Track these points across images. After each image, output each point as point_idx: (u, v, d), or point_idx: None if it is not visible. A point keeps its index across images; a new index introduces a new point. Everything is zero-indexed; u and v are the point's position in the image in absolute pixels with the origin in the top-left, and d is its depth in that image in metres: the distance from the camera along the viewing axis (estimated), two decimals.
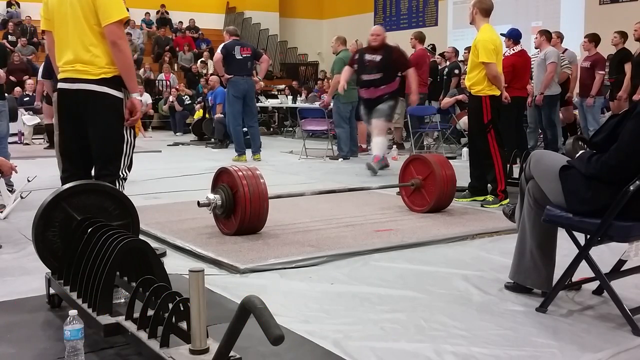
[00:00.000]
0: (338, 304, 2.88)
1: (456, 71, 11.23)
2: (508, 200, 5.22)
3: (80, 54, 3.31)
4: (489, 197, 5.35)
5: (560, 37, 8.89)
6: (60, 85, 3.42)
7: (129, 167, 3.50)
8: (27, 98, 13.15)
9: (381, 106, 7.12)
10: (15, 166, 4.67)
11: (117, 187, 3.32)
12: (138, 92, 3.47)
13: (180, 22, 20.62)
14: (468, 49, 10.54)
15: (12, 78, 14.48)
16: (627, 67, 8.24)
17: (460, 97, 9.55)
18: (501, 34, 5.70)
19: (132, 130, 3.49)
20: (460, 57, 11.78)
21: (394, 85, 7.33)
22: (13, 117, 9.16)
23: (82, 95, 3.32)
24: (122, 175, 3.44)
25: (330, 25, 19.75)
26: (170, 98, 15.21)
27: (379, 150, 7.26)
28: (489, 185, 5.46)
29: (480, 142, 5.38)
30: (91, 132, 3.37)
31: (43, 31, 3.57)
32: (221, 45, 8.99)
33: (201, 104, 13.36)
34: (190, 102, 14.95)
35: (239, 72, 8.75)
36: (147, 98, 14.02)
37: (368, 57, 7.18)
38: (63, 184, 3.41)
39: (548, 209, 2.73)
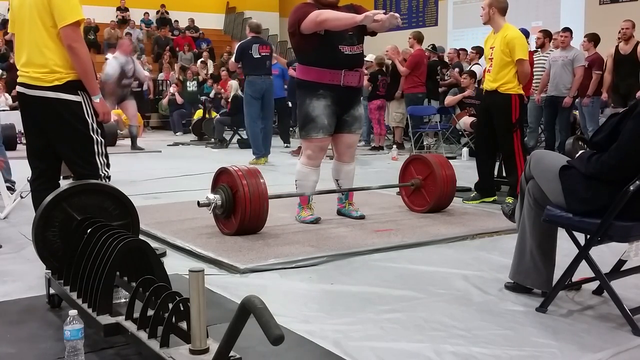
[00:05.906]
0: (338, 304, 2.88)
1: (454, 70, 11.21)
2: None
3: (33, 57, 3.19)
4: (509, 199, 5.19)
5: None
6: (18, 88, 3.31)
7: (107, 165, 3.38)
8: None
9: (361, 109, 4.54)
10: (3, 161, 4.66)
11: None
12: (99, 94, 3.31)
13: (177, 21, 20.63)
14: (475, 48, 10.52)
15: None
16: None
17: (466, 93, 9.41)
18: None
19: (99, 130, 3.33)
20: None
21: None
22: (12, 146, 9.14)
23: (39, 102, 3.21)
24: (103, 174, 3.33)
25: None
26: (171, 89, 15.16)
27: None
28: (494, 185, 5.38)
29: (505, 142, 5.24)
30: (55, 139, 3.27)
31: None
32: (237, 45, 8.88)
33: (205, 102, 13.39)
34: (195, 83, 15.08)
35: (256, 72, 8.52)
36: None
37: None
38: (31, 183, 3.37)
39: (548, 209, 2.73)
